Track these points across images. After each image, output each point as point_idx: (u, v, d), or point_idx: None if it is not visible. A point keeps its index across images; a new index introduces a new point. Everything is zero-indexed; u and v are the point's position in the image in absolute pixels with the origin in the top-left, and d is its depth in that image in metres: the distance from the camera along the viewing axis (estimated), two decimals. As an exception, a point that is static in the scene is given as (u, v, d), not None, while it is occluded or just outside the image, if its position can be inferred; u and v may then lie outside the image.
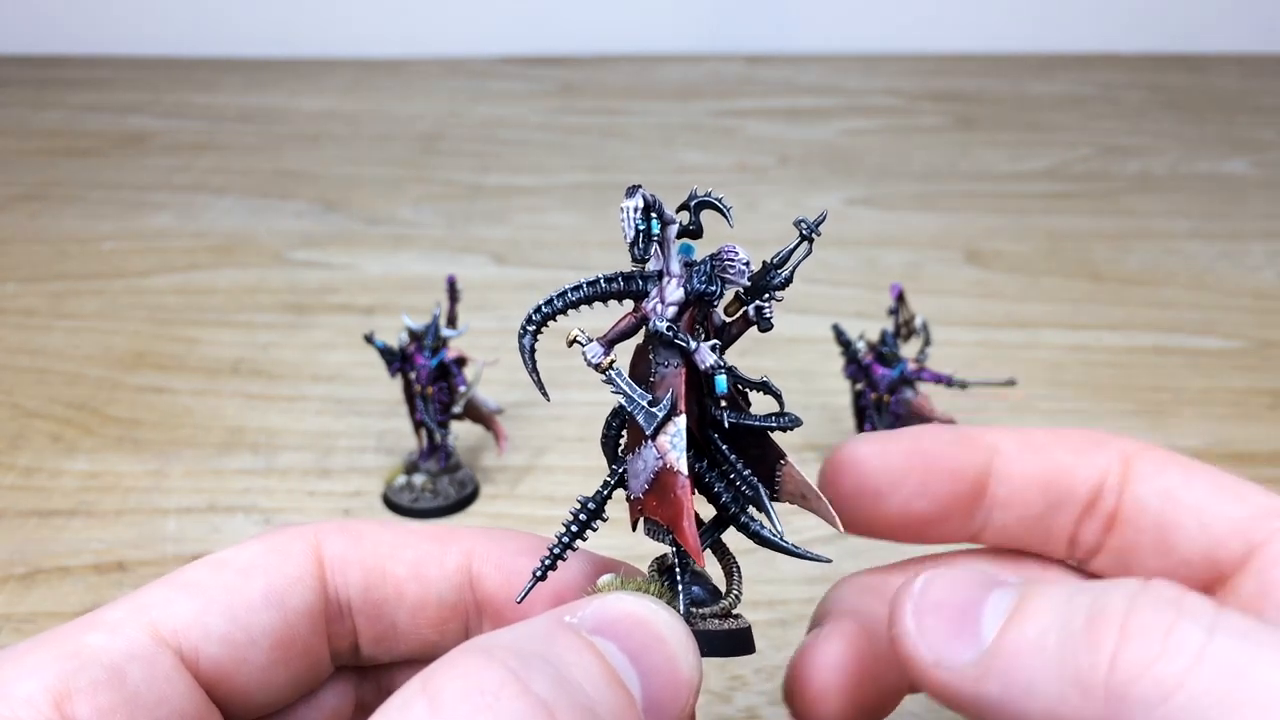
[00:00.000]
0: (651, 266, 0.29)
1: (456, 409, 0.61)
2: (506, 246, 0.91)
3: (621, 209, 0.29)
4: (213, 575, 0.31)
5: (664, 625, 0.28)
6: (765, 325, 0.29)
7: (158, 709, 0.28)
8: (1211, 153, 1.10)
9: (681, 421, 0.29)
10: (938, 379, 0.60)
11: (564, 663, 0.25)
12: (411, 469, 0.63)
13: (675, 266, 0.29)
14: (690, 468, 0.29)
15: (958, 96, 1.26)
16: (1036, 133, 1.16)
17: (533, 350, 0.31)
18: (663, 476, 0.29)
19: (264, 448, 0.66)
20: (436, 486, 0.62)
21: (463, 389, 0.61)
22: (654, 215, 0.29)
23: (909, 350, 0.61)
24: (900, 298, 0.60)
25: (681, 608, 0.30)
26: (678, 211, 0.30)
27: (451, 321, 0.61)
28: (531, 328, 0.31)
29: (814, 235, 0.29)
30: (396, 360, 0.61)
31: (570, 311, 0.31)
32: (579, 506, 0.31)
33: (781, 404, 0.30)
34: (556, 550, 0.31)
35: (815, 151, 1.11)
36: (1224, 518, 0.31)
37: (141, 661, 0.28)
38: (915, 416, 0.60)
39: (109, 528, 0.59)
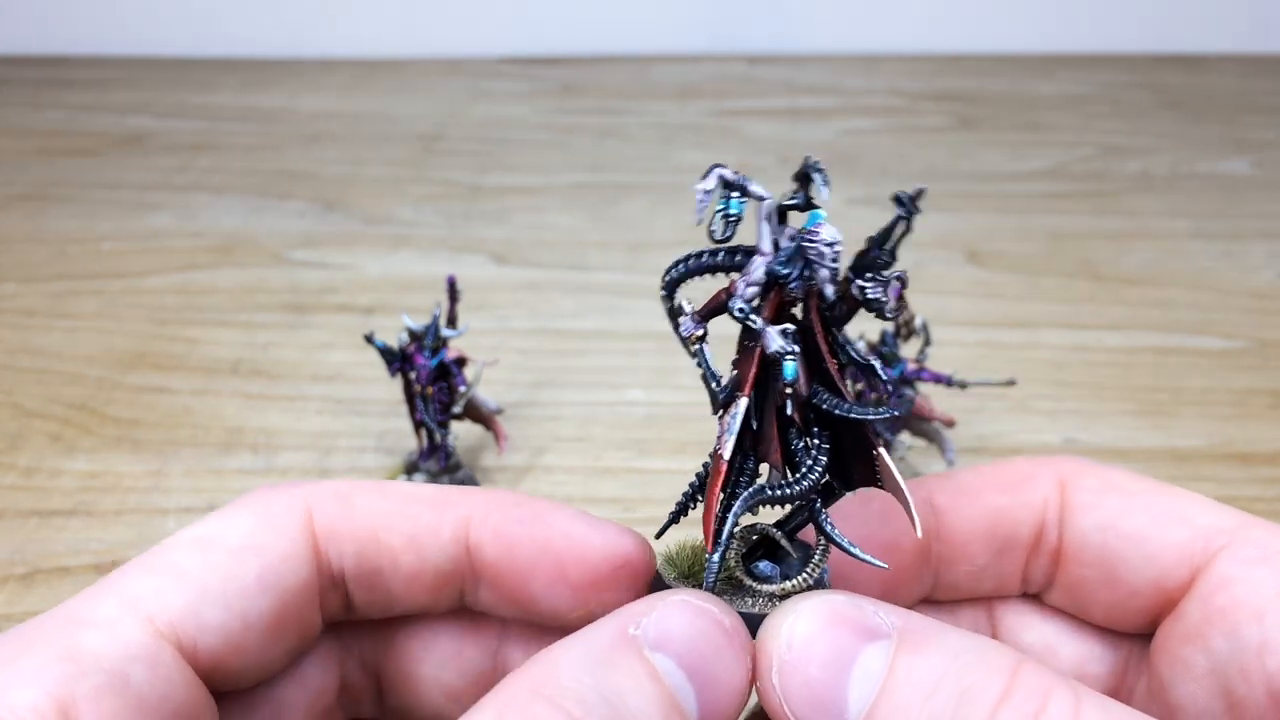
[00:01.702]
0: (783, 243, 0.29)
1: (456, 409, 0.61)
2: (506, 246, 0.91)
3: (694, 189, 0.28)
4: (203, 558, 0.29)
5: (722, 633, 0.28)
6: (872, 306, 0.29)
7: (161, 708, 0.27)
8: (1211, 153, 1.10)
9: (743, 404, 0.29)
10: (938, 379, 0.60)
11: (622, 696, 0.26)
12: (411, 469, 0.63)
13: (765, 244, 0.28)
14: (762, 448, 0.29)
15: (958, 96, 1.26)
16: (1036, 133, 1.16)
17: (672, 311, 0.30)
18: (715, 458, 0.29)
19: (264, 448, 0.66)
20: (436, 486, 0.62)
21: (463, 389, 0.61)
22: (734, 194, 0.28)
23: (909, 350, 0.61)
24: (900, 298, 0.60)
25: (706, 585, 0.29)
26: (794, 180, 0.29)
27: (451, 321, 0.61)
28: (664, 293, 0.30)
29: (914, 211, 0.28)
30: (396, 360, 0.61)
31: (693, 280, 0.30)
32: (709, 459, 0.31)
33: (887, 390, 0.30)
34: (684, 500, 0.31)
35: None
36: (1167, 545, 0.31)
37: (143, 662, 0.27)
38: (915, 416, 0.60)
39: (109, 528, 0.59)
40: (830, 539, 0.30)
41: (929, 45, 1.40)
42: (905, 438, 0.61)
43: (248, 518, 0.31)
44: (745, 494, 0.29)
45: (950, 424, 0.60)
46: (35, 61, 1.36)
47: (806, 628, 0.27)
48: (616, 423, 0.68)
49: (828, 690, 0.27)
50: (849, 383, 0.31)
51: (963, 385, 0.60)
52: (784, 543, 0.30)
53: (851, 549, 0.29)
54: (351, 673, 0.34)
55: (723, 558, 0.29)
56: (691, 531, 0.32)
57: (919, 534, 0.28)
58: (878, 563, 0.29)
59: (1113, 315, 0.81)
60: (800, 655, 0.27)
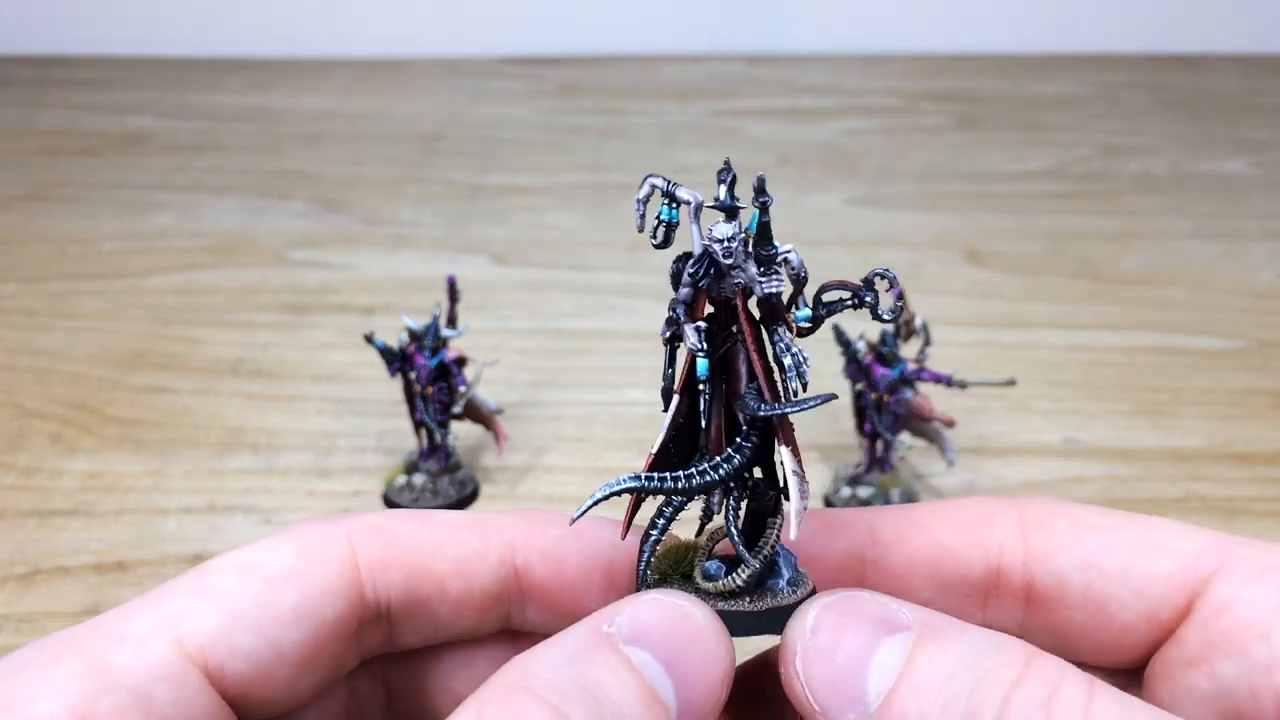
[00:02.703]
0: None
1: (456, 409, 0.61)
2: (506, 246, 0.91)
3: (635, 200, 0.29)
4: (241, 584, 0.29)
5: (695, 627, 0.28)
6: (770, 299, 0.29)
7: None
8: (1211, 153, 1.10)
9: (674, 401, 0.30)
10: (938, 379, 0.60)
11: (601, 686, 0.26)
12: (411, 469, 0.63)
13: (697, 246, 0.29)
14: (663, 446, 0.30)
15: (958, 96, 1.26)
16: (1036, 133, 1.16)
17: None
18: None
19: (264, 448, 0.66)
20: (436, 486, 0.62)
21: (463, 389, 0.61)
22: (667, 201, 0.29)
23: (909, 350, 0.61)
24: (900, 298, 0.60)
25: (638, 574, 0.30)
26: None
27: (451, 321, 0.61)
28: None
29: (766, 198, 0.29)
30: (396, 360, 0.61)
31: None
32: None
33: (785, 387, 0.30)
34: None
35: (815, 151, 1.11)
36: (1156, 577, 0.30)
37: (169, 683, 0.27)
38: (915, 416, 0.60)
39: (109, 528, 0.59)
40: (730, 531, 0.30)
41: (929, 45, 1.40)
42: (905, 438, 0.61)
43: (289, 548, 0.30)
44: (623, 477, 0.30)
45: (950, 424, 0.60)
46: (35, 61, 1.36)
47: (830, 618, 0.28)
48: (616, 423, 0.68)
49: (849, 676, 0.27)
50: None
51: (963, 385, 0.60)
52: (740, 548, 0.31)
53: (738, 542, 0.30)
54: (361, 684, 0.34)
55: (652, 549, 0.30)
56: (685, 531, 0.32)
57: (793, 536, 0.29)
58: (753, 562, 0.30)
59: (1112, 315, 0.81)
60: (823, 642, 0.28)
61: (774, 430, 0.30)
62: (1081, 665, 0.33)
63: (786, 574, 0.31)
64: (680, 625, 0.28)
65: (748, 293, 0.29)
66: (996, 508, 0.33)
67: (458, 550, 0.32)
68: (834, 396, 0.29)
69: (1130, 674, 0.33)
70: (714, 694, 0.28)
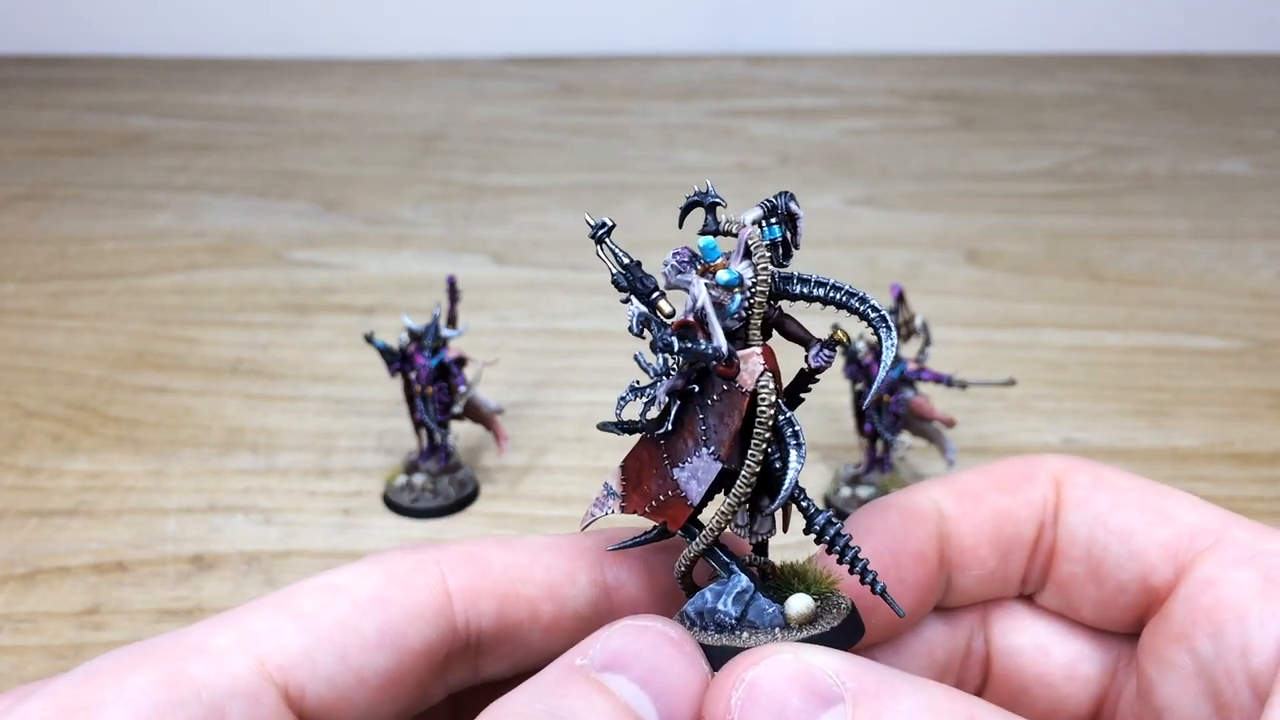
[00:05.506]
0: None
1: (456, 409, 0.61)
2: (506, 246, 0.91)
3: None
4: (326, 605, 0.29)
5: (668, 642, 0.28)
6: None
7: None
8: (1211, 153, 1.10)
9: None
10: (938, 379, 0.60)
11: (574, 713, 0.26)
12: (411, 469, 0.63)
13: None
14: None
15: (958, 96, 1.26)
16: (1036, 133, 1.16)
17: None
18: None
19: (264, 448, 0.66)
20: (436, 486, 0.62)
21: (463, 389, 0.61)
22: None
23: (909, 350, 0.61)
24: (900, 298, 0.60)
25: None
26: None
27: (451, 321, 0.61)
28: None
29: (598, 239, 0.31)
30: (396, 360, 0.61)
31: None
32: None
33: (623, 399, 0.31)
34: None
35: (815, 151, 1.11)
36: (1153, 542, 0.31)
37: (244, 700, 0.27)
38: (915, 416, 0.60)
39: (109, 528, 0.59)
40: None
41: (929, 45, 1.40)
42: (905, 438, 0.61)
43: (379, 573, 0.30)
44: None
45: (950, 424, 0.60)
46: (36, 61, 1.36)
47: (756, 699, 0.26)
48: (616, 423, 0.68)
49: None
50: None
51: (963, 385, 0.60)
52: (712, 562, 0.31)
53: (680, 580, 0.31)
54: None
55: (684, 575, 0.31)
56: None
57: (580, 528, 0.30)
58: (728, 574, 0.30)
59: (1112, 315, 0.81)
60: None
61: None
62: (1085, 627, 0.33)
63: (716, 603, 0.30)
64: (652, 644, 0.28)
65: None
66: (1034, 463, 0.33)
67: (547, 573, 0.32)
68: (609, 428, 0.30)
69: (1132, 644, 0.33)
70: (698, 702, 0.28)
